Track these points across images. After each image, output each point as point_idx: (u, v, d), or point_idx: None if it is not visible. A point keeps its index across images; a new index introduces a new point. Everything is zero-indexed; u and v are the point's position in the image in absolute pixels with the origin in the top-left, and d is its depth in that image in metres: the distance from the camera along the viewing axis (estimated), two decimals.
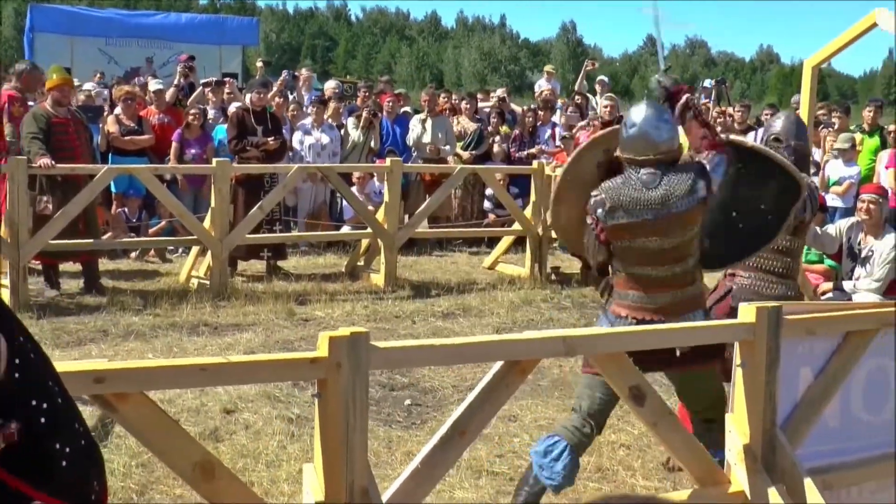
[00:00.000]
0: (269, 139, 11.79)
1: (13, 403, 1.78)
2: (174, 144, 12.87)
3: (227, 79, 16.46)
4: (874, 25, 7.08)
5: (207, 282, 10.65)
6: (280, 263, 11.95)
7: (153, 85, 14.17)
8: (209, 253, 10.73)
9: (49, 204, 10.00)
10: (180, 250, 12.76)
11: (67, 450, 1.85)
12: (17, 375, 1.78)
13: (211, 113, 13.90)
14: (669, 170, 5.17)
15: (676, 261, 5.18)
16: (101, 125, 12.89)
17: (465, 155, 14.27)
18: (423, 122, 14.15)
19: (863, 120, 13.73)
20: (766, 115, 14.42)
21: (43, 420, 1.81)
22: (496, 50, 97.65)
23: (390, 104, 15.04)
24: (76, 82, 13.76)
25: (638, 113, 5.21)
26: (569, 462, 5.10)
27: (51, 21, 21.78)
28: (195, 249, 11.18)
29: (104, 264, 11.29)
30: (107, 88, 15.64)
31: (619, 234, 5.13)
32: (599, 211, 5.13)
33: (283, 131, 12.89)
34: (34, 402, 1.81)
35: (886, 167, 12.12)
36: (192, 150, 12.84)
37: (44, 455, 1.82)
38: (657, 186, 5.09)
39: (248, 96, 12.39)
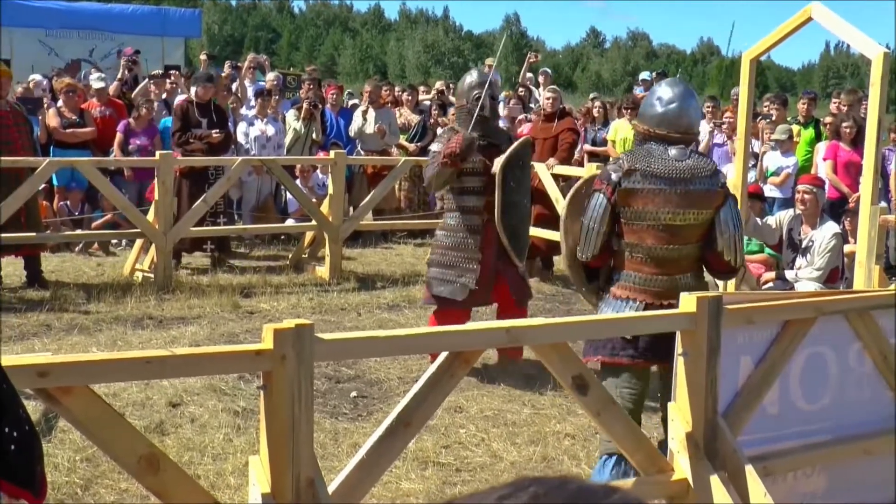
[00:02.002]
0: (212, 132, 11.71)
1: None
2: (118, 135, 12.73)
3: (171, 71, 16.29)
4: (810, 19, 7.17)
5: (152, 275, 10.56)
6: (225, 256, 11.88)
7: (95, 81, 13.97)
8: (153, 246, 10.64)
9: None
10: (124, 243, 12.64)
11: (15, 434, 1.85)
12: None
13: (155, 105, 13.77)
14: (693, 151, 5.45)
15: (685, 241, 5.30)
16: (40, 117, 12.71)
17: (411, 147, 14.26)
18: (365, 113, 14.12)
19: (798, 112, 13.92)
20: (708, 107, 14.55)
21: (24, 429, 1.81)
22: (439, 42, 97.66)
23: (334, 96, 14.98)
24: (16, 77, 13.54)
25: (674, 91, 5.37)
26: (617, 472, 5.16)
27: None
28: (139, 242, 11.08)
29: (47, 258, 11.14)
30: (46, 79, 15.41)
31: (629, 200, 5.23)
32: (614, 175, 5.24)
33: (229, 124, 12.81)
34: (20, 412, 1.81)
35: (824, 159, 12.30)
36: (138, 141, 12.72)
37: None
38: (685, 160, 5.27)
39: (193, 89, 12.29)
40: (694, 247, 5.36)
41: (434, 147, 7.44)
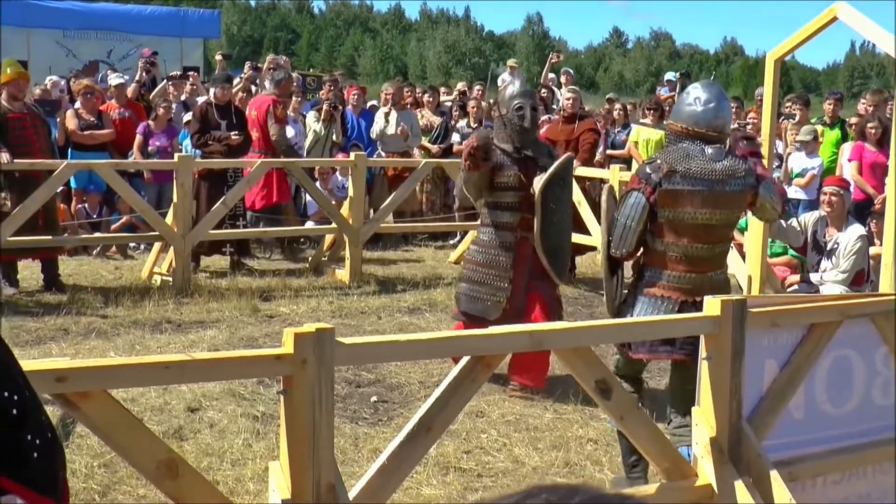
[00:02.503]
0: (231, 133, 11.74)
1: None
2: (138, 137, 12.81)
3: (190, 73, 16.37)
4: (835, 19, 7.14)
5: (170, 278, 10.59)
6: (244, 259, 11.92)
7: (114, 79, 14.06)
8: (171, 249, 10.68)
9: (7, 201, 9.92)
10: (142, 246, 12.69)
11: (38, 441, 1.86)
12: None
13: (172, 107, 13.83)
14: (728, 152, 5.60)
15: (719, 240, 5.56)
16: (58, 119, 12.79)
17: (434, 148, 14.26)
18: (388, 115, 14.13)
19: (823, 113, 13.86)
20: (731, 107, 14.50)
21: (14, 412, 1.82)
22: (460, 42, 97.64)
23: (356, 97, 15.01)
24: (33, 79, 13.64)
25: (710, 91, 5.56)
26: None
27: (5, 12, 21.51)
28: (157, 245, 11.12)
29: (64, 261, 11.20)
30: (64, 80, 15.51)
31: (669, 201, 5.38)
32: (654, 175, 5.39)
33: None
34: (6, 394, 1.82)
35: (849, 160, 12.23)
36: (157, 143, 12.78)
37: (17, 446, 1.81)
38: (721, 160, 5.44)
39: (212, 90, 12.34)
40: (726, 244, 5.62)
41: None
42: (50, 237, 10.13)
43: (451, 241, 14.12)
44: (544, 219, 7.11)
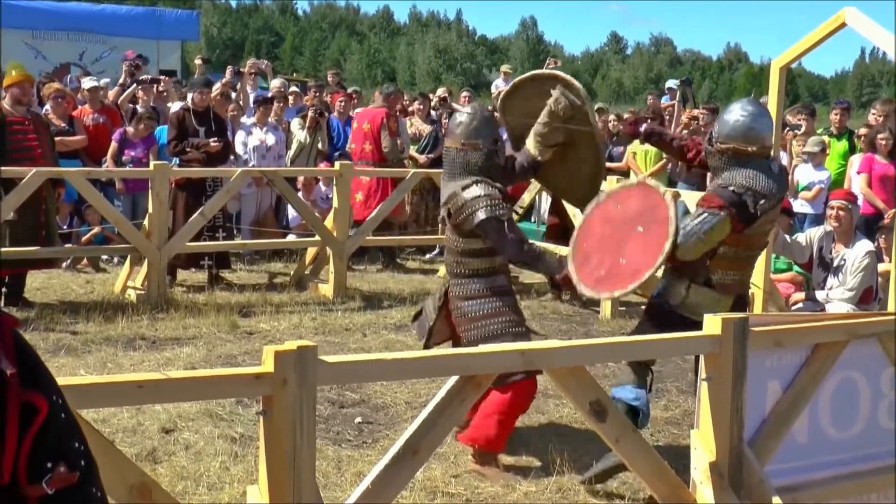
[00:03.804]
0: (210, 140, 11.74)
1: (60, 445, 1.89)
2: (112, 144, 12.77)
3: (161, 76, 16.37)
4: (843, 25, 7.19)
5: (144, 292, 10.58)
6: (222, 273, 11.91)
7: (87, 82, 14.06)
8: (146, 262, 10.67)
9: None
10: (115, 259, 12.68)
11: (99, 494, 1.98)
12: (63, 416, 1.86)
13: (139, 111, 13.77)
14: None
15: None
16: None
17: (422, 159, 14.27)
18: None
19: (830, 123, 13.91)
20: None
21: (83, 463, 1.89)
22: (452, 47, 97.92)
23: (342, 104, 15.03)
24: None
25: (753, 105, 6.00)
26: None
27: None
28: (131, 258, 11.11)
29: (32, 275, 11.12)
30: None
31: (758, 223, 5.73)
32: (752, 207, 5.66)
33: (227, 133, 12.90)
34: (77, 444, 1.90)
35: (858, 172, 12.28)
36: (133, 152, 12.77)
37: (84, 500, 1.94)
38: (780, 172, 6.00)
39: (189, 96, 12.35)
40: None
41: (482, 214, 6.12)
42: (34, 248, 10.10)
43: (441, 257, 14.10)
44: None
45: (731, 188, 5.69)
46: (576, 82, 6.56)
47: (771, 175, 5.77)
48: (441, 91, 17.89)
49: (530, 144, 6.60)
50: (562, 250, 11.30)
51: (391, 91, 14.34)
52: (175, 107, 13.52)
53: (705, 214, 5.62)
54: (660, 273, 6.07)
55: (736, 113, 5.89)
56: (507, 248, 6.16)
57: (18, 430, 1.81)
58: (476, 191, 6.17)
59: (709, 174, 6.40)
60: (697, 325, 5.08)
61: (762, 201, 5.67)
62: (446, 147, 6.50)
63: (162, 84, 15.20)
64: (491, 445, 6.35)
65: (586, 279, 5.85)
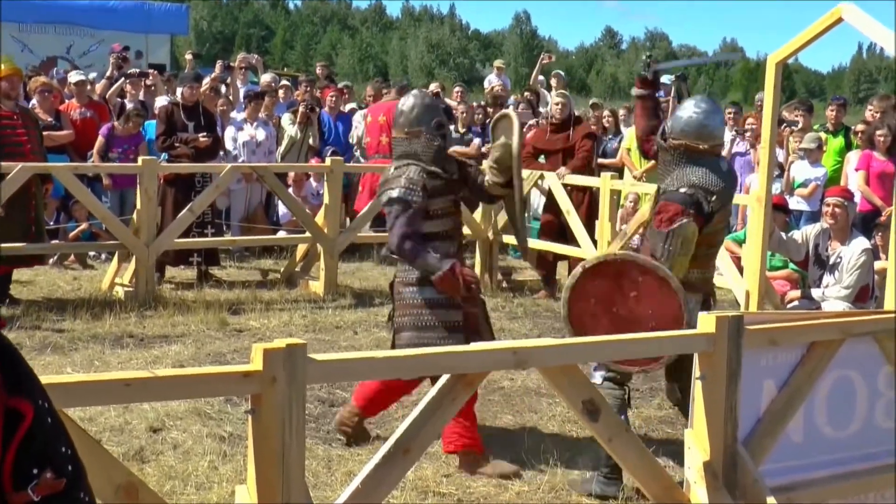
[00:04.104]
0: (200, 135, 11.74)
1: (46, 450, 1.89)
2: (100, 139, 12.73)
3: (150, 70, 16.35)
4: (840, 20, 7.19)
5: (132, 289, 10.56)
6: (212, 270, 11.90)
7: (74, 76, 14.03)
8: (134, 258, 10.65)
9: None
10: (103, 256, 12.66)
11: (87, 499, 1.97)
12: (49, 420, 1.86)
13: (129, 107, 13.75)
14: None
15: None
16: None
17: None
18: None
19: (826, 119, 13.93)
20: (729, 113, 14.58)
21: (70, 468, 1.89)
22: (445, 41, 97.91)
23: (333, 99, 15.03)
24: None
25: (707, 103, 6.08)
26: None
27: None
28: (119, 255, 11.09)
29: (18, 271, 11.09)
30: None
31: (714, 221, 5.86)
32: (706, 206, 5.78)
33: (217, 128, 12.88)
34: (63, 449, 1.89)
35: (857, 169, 12.30)
36: (120, 149, 12.73)
37: None
38: (729, 172, 6.15)
39: (179, 90, 12.33)
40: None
41: (393, 193, 6.27)
42: (20, 245, 10.06)
43: None
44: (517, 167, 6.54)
45: (682, 189, 5.79)
46: (514, 140, 6.49)
47: (720, 173, 5.92)
48: (434, 86, 17.87)
49: (487, 173, 6.67)
50: (554, 247, 11.40)
51: (405, 84, 14.46)
52: (162, 101, 13.50)
53: (669, 232, 5.69)
54: None
55: (689, 110, 6.00)
56: (392, 234, 6.20)
57: (3, 437, 1.80)
58: (402, 171, 6.32)
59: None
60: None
61: (713, 199, 5.79)
62: (392, 137, 6.65)
63: (150, 78, 15.16)
64: (465, 443, 6.35)
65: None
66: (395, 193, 6.22)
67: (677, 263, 5.62)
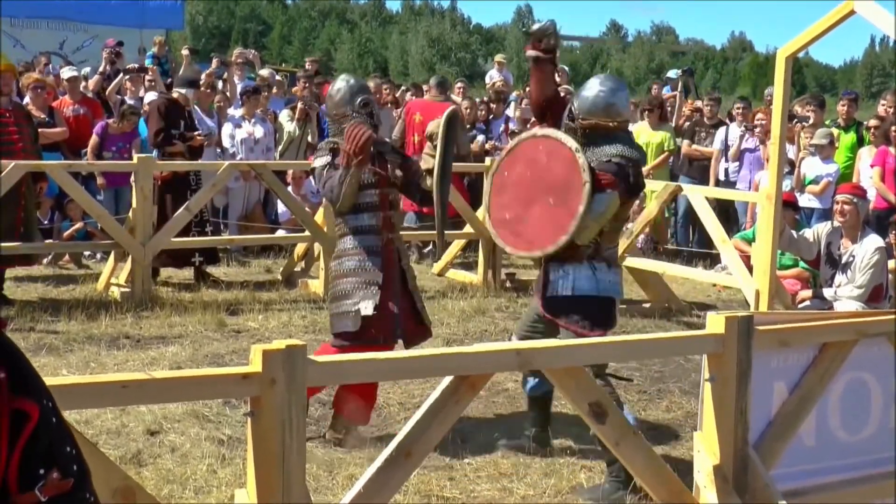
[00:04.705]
0: (195, 133, 11.74)
1: (52, 451, 1.90)
2: (94, 138, 12.73)
3: (149, 66, 16.35)
4: (852, 13, 7.19)
5: (128, 290, 10.56)
6: (210, 270, 11.90)
7: (67, 72, 14.04)
8: (130, 258, 10.65)
9: None
10: (98, 255, 12.66)
11: (93, 499, 2.00)
12: (54, 420, 1.86)
13: (130, 103, 13.78)
14: None
15: None
16: None
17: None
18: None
19: (837, 114, 13.91)
20: (738, 108, 14.58)
21: (75, 468, 1.90)
22: (446, 36, 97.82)
23: None
24: None
25: (612, 81, 6.40)
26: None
27: None
28: (115, 254, 11.09)
29: (11, 270, 11.11)
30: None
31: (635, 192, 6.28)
32: (633, 179, 6.06)
33: (212, 124, 12.89)
34: (69, 449, 1.90)
35: (872, 165, 12.27)
36: (114, 146, 12.72)
37: None
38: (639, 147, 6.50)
39: (176, 91, 12.23)
40: None
41: (319, 162, 6.93)
42: (14, 244, 10.06)
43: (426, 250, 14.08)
44: (445, 162, 6.88)
45: (613, 160, 6.04)
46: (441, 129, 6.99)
47: (635, 146, 6.28)
48: (433, 80, 17.82)
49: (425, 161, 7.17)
50: None
51: (443, 80, 15.09)
52: (151, 96, 13.47)
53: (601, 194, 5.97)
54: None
55: (595, 89, 6.23)
56: (324, 189, 6.86)
57: (8, 438, 1.81)
58: (322, 146, 7.09)
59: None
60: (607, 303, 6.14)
61: (636, 170, 6.13)
62: (327, 118, 7.43)
63: (150, 73, 15.15)
64: (352, 416, 6.90)
65: (494, 210, 6.42)
66: (321, 161, 6.91)
67: (589, 227, 5.96)
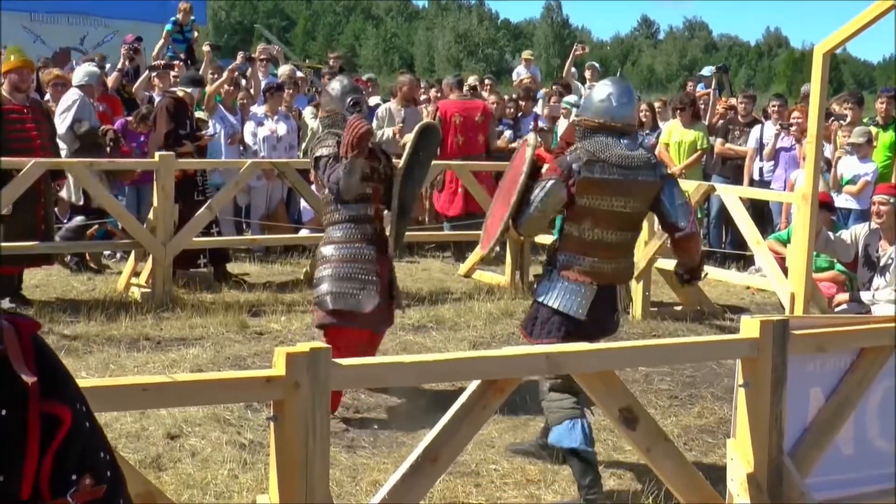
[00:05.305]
0: (205, 132, 11.75)
1: (85, 456, 1.89)
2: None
3: (176, 62, 16.39)
4: (892, 7, 7.15)
5: (149, 290, 10.60)
6: (233, 271, 11.91)
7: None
8: (150, 258, 10.69)
9: None
10: (118, 255, 12.71)
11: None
12: (87, 424, 1.86)
13: (157, 100, 13.81)
14: (639, 143, 6.47)
15: (632, 228, 6.28)
16: None
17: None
18: (393, 111, 14.15)
19: (876, 112, 13.82)
20: (774, 106, 14.51)
21: (109, 474, 1.90)
22: (472, 31, 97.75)
23: None
24: None
25: (620, 86, 6.38)
26: (585, 436, 5.90)
27: None
28: (135, 254, 11.13)
29: (30, 271, 11.16)
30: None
31: (589, 190, 6.00)
32: (575, 166, 6.02)
33: (234, 122, 12.93)
34: (102, 454, 1.90)
35: None
36: (135, 143, 12.76)
37: None
38: (635, 150, 6.18)
39: (182, 90, 12.16)
40: (636, 233, 6.42)
41: (322, 151, 7.41)
42: (31, 244, 10.11)
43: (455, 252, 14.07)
44: (409, 168, 7.51)
45: (568, 154, 6.17)
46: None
47: (612, 144, 6.09)
48: (472, 79, 17.76)
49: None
50: None
51: (459, 77, 15.52)
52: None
53: (542, 184, 6.10)
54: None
55: (601, 93, 6.34)
56: (329, 180, 7.23)
57: (40, 443, 1.81)
58: (323, 137, 7.49)
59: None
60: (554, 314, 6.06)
61: (594, 164, 6.01)
62: (320, 117, 8.10)
63: (176, 69, 15.18)
64: None
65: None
66: (321, 151, 7.37)
67: (532, 219, 6.12)
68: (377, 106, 15.16)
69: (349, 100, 7.47)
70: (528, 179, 6.16)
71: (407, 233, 13.28)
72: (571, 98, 13.76)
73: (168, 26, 16.71)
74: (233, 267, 12.27)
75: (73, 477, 1.85)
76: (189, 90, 12.05)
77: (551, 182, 6.05)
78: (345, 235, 7.43)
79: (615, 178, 6.02)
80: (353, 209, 7.43)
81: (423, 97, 15.86)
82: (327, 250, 7.50)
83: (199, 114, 12.68)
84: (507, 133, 14.72)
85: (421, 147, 7.55)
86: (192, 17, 17.89)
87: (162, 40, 16.37)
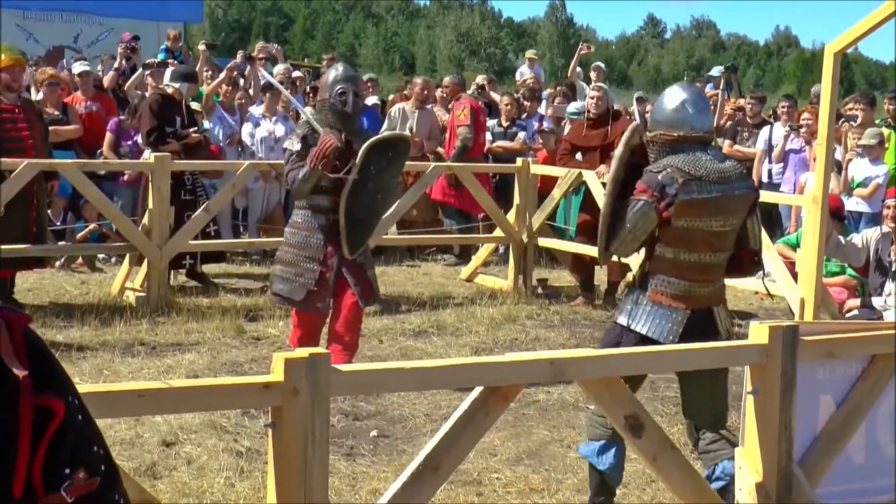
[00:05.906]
0: (190, 130, 11.57)
1: (78, 449, 1.90)
2: (108, 135, 12.79)
3: (170, 60, 16.41)
4: None
5: (144, 294, 10.60)
6: (221, 266, 11.92)
7: (78, 67, 14.09)
8: (146, 261, 10.69)
9: None
10: (112, 258, 12.71)
11: (122, 501, 1.99)
12: (80, 417, 1.86)
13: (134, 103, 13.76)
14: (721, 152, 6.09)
15: (726, 247, 5.72)
16: None
17: (441, 151, 14.27)
18: (406, 113, 14.16)
19: (887, 113, 13.81)
20: (783, 107, 14.52)
21: (103, 468, 1.90)
22: (475, 30, 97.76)
23: None
24: None
25: (687, 91, 5.92)
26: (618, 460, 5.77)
27: None
28: (130, 257, 11.12)
29: (22, 275, 11.14)
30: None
31: (687, 211, 5.49)
32: (668, 188, 5.50)
33: (233, 122, 12.91)
34: (96, 448, 1.90)
35: None
36: (130, 142, 12.77)
37: None
38: (724, 161, 5.76)
39: (174, 85, 12.04)
40: (729, 252, 5.76)
41: (292, 146, 7.69)
42: (23, 246, 10.09)
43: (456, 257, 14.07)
44: (359, 182, 7.50)
45: (654, 170, 5.65)
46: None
47: (701, 158, 5.63)
48: (480, 79, 17.74)
49: None
50: (591, 250, 11.33)
51: (461, 77, 16.28)
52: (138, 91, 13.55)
53: (632, 203, 5.63)
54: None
55: (661, 100, 5.96)
56: (288, 174, 7.58)
57: (32, 437, 1.81)
58: (300, 127, 7.78)
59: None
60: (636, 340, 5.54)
61: (684, 181, 5.51)
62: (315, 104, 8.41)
63: (170, 67, 15.16)
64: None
65: None
66: (293, 147, 7.64)
67: (625, 242, 5.67)
68: (375, 106, 15.19)
69: (337, 88, 7.71)
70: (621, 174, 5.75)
71: (406, 235, 13.36)
72: (575, 106, 13.70)
73: (160, 55, 16.66)
74: (229, 269, 12.27)
75: (67, 471, 1.86)
76: (177, 85, 11.78)
77: (642, 203, 5.55)
78: (303, 222, 7.77)
79: (714, 196, 5.53)
80: (313, 198, 7.71)
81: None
82: (286, 233, 7.97)
83: (195, 105, 12.55)
84: (522, 134, 14.68)
85: (373, 161, 7.51)
86: (181, 43, 17.92)
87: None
